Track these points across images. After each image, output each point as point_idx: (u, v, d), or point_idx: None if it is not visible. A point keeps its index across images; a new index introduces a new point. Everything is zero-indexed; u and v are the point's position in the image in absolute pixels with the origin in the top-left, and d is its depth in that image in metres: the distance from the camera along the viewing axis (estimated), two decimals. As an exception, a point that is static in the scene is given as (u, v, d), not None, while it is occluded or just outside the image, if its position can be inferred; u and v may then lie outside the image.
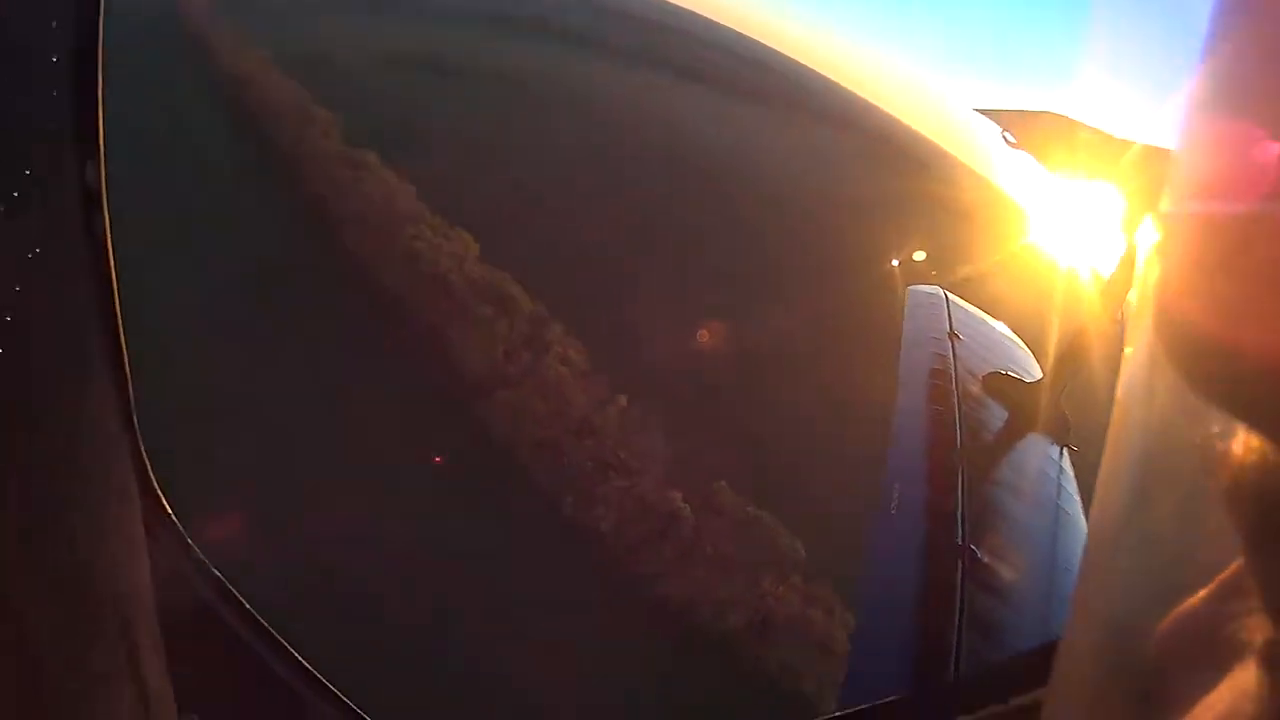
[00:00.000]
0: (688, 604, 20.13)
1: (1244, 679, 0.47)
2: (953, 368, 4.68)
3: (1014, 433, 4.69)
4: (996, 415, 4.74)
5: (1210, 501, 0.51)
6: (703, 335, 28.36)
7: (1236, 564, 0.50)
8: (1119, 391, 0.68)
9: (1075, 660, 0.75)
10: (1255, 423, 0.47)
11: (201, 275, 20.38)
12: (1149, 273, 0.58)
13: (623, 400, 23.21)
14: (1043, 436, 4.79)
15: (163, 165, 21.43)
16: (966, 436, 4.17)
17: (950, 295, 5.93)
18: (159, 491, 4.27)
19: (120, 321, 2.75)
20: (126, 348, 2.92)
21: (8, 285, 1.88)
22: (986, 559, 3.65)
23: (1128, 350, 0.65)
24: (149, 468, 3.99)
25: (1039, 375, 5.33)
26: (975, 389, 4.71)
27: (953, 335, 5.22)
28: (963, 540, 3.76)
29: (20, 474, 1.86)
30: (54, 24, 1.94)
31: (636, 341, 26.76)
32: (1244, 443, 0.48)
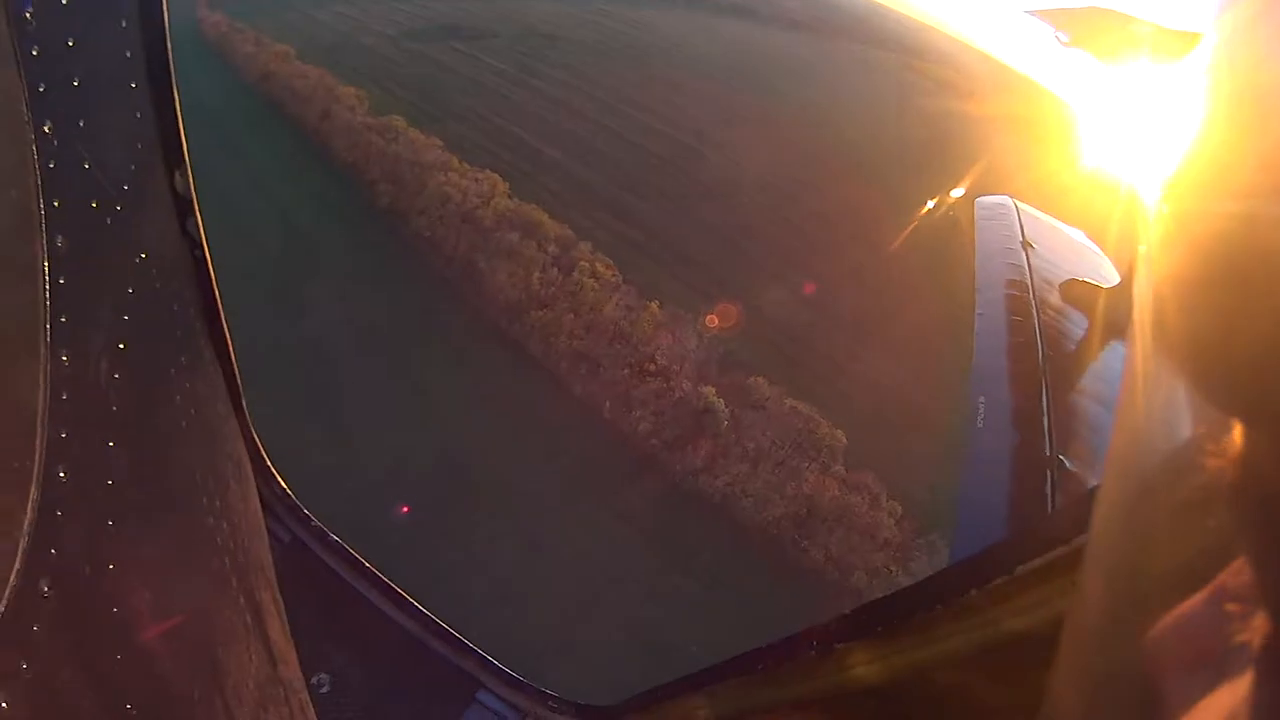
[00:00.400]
0: (728, 496, 20.69)
1: (1243, 680, 0.48)
2: (1029, 276, 4.58)
3: (1096, 340, 4.63)
4: (1077, 323, 4.69)
5: (1210, 501, 0.51)
6: (735, 240, 28.90)
7: (1235, 564, 0.50)
8: (1120, 391, 0.69)
9: (1075, 661, 0.76)
10: (1254, 422, 0.48)
11: (250, 251, 21.85)
12: (1147, 272, 0.59)
13: (654, 306, 23.54)
14: (1125, 343, 4.64)
15: (204, 162, 22.17)
16: (1048, 346, 4.13)
17: (1019, 204, 5.73)
18: (272, 468, 4.50)
19: (223, 314, 2.96)
20: (231, 340, 3.09)
21: (122, 286, 1.94)
22: (1076, 469, 3.69)
23: (1127, 349, 0.65)
24: (261, 446, 4.19)
25: (1117, 280, 5.21)
26: (1053, 297, 4.63)
27: (1026, 244, 5.08)
28: (1051, 451, 3.79)
29: (140, 458, 1.93)
30: (128, 54, 2.03)
31: (671, 249, 27.10)
32: (1243, 442, 0.48)
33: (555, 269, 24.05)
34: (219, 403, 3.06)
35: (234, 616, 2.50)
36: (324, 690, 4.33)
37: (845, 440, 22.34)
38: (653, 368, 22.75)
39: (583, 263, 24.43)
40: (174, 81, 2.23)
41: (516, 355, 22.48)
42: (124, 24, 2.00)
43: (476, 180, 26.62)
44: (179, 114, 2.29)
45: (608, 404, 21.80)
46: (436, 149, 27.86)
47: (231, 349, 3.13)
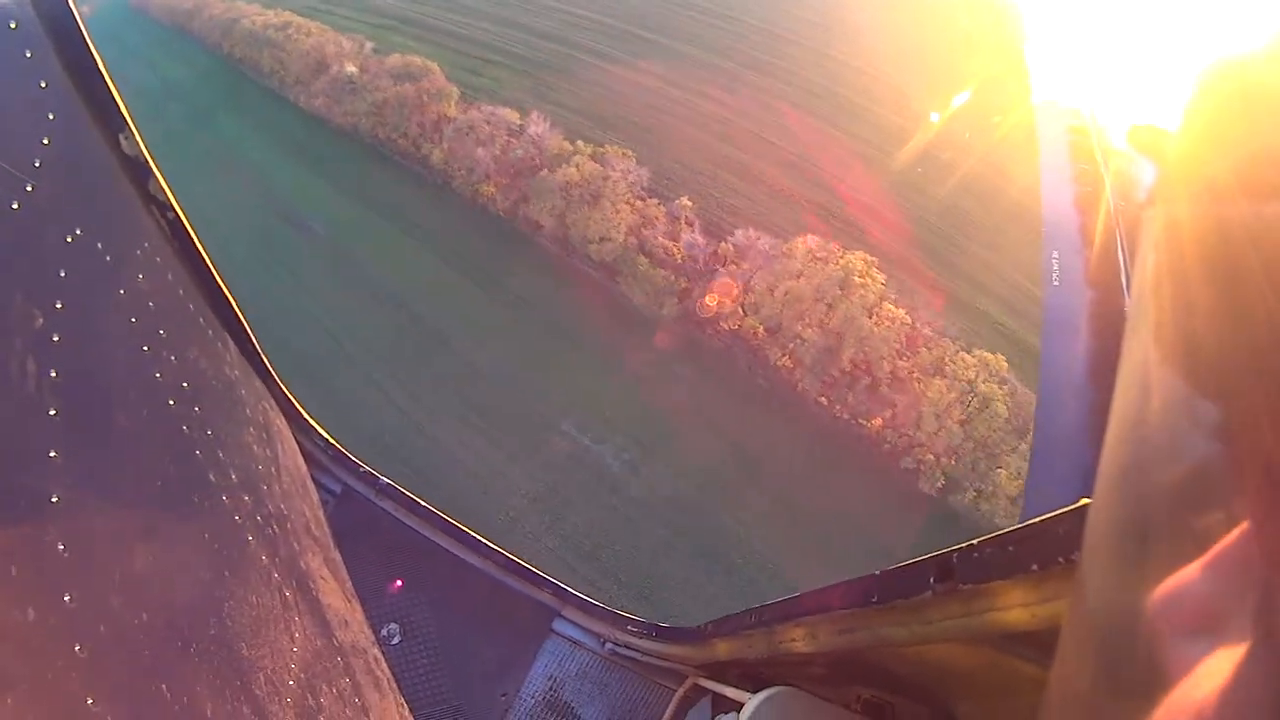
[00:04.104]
0: (360, 126, 33.01)
1: (1239, 646, 0.48)
2: (1091, 122, 4.28)
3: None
4: (1146, 169, 4.43)
5: (1206, 489, 0.52)
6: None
7: (1231, 535, 0.51)
8: (1118, 386, 0.69)
9: (1076, 644, 0.76)
10: (1249, 416, 0.48)
11: (149, 105, 33.93)
12: (1146, 271, 0.60)
13: (347, 40, 36.68)
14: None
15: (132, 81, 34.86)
16: (1118, 195, 3.92)
17: (1074, 44, 5.29)
18: (311, 421, 4.04)
19: (218, 276, 2.69)
20: (232, 296, 2.81)
21: (52, 269, 1.61)
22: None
23: (1123, 345, 0.67)
24: (295, 401, 3.74)
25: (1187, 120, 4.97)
26: (1118, 143, 4.36)
27: (1085, 89, 4.72)
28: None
29: (165, 433, 1.84)
30: (12, 25, 1.71)
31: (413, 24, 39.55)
32: (1239, 431, 0.49)
33: (291, 40, 37.39)
34: (226, 368, 2.77)
35: (266, 600, 2.24)
36: (395, 641, 4.09)
37: (441, 68, 33.43)
38: (337, 70, 34.96)
39: (313, 31, 37.48)
40: (90, 45, 1.97)
41: (283, 103, 36.36)
42: None
43: (270, 15, 39.14)
44: (105, 77, 2.04)
45: (320, 100, 34.75)
46: (254, 7, 40.42)
47: (236, 308, 2.86)
